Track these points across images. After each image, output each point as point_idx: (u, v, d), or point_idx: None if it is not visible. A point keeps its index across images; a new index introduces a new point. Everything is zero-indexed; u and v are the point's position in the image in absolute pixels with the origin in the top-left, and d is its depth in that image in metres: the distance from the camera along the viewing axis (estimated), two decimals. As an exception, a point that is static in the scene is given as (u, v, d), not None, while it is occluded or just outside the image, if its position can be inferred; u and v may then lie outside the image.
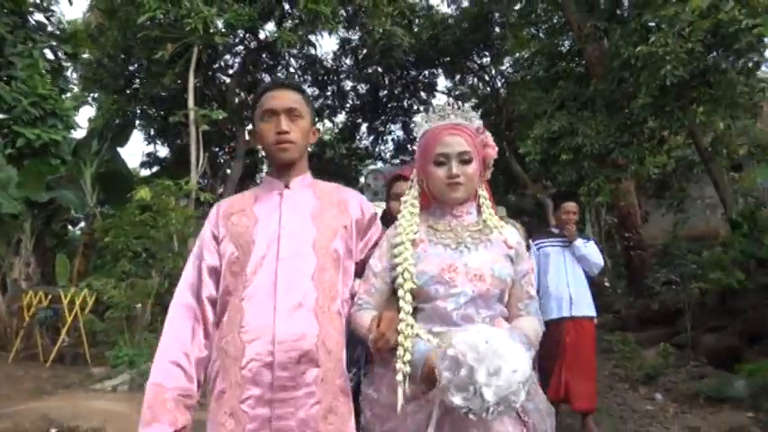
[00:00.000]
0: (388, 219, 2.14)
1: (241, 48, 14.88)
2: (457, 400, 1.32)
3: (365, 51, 15.57)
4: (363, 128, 19.35)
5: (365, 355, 1.77)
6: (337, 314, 1.63)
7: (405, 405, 1.47)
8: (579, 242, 4.41)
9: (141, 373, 6.37)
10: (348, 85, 18.01)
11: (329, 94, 18.07)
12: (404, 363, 1.48)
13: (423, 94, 19.40)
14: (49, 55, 8.60)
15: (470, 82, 19.33)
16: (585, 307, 4.44)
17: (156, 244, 8.07)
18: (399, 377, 1.47)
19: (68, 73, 11.06)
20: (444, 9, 16.51)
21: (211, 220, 1.74)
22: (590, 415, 4.47)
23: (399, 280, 1.58)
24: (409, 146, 20.37)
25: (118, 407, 4.57)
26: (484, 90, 18.80)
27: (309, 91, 18.02)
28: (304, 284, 1.59)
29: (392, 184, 2.25)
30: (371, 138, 19.77)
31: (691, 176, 12.53)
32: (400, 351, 1.48)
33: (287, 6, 12.06)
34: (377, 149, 20.00)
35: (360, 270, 1.76)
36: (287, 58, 16.44)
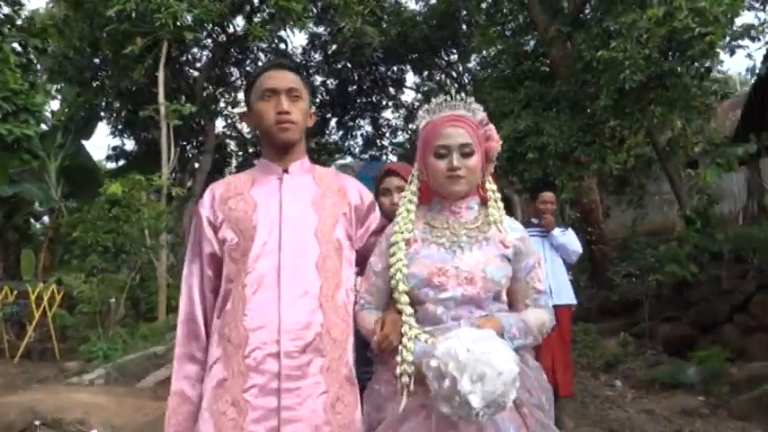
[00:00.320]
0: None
1: (209, 41, 14.82)
2: (445, 409, 1.30)
3: (334, 47, 15.67)
4: (333, 123, 19.43)
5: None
6: (342, 303, 1.61)
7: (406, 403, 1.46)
8: (557, 231, 4.43)
9: (117, 367, 6.44)
10: (317, 79, 18.06)
11: (298, 88, 18.07)
12: (407, 363, 1.46)
13: (391, 89, 19.62)
14: (18, 48, 8.46)
15: (438, 78, 19.58)
16: (565, 295, 4.45)
17: (128, 239, 8.05)
18: (405, 379, 1.45)
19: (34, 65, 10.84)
20: (413, 6, 16.75)
21: (206, 206, 1.67)
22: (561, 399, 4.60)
23: (392, 282, 1.56)
24: (378, 141, 20.58)
25: (99, 399, 4.65)
26: (451, 87, 19.08)
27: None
28: (308, 273, 1.56)
29: (382, 179, 2.17)
30: (341, 133, 19.90)
31: (649, 173, 13.02)
32: (403, 353, 1.47)
33: (256, 2, 12.09)
34: (346, 144, 20.14)
35: (359, 258, 1.74)
36: (256, 52, 16.38)
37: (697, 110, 7.24)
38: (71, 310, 9.37)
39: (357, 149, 20.23)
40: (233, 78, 17.52)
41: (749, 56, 9.57)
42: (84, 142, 14.20)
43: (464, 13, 15.61)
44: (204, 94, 15.16)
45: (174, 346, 1.69)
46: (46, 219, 15.45)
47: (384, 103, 19.90)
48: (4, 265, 12.38)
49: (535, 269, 1.66)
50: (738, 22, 6.67)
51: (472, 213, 1.64)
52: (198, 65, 16.30)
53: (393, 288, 1.56)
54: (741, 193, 10.81)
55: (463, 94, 1.64)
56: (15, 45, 8.27)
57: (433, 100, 1.66)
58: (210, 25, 12.08)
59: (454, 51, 17.91)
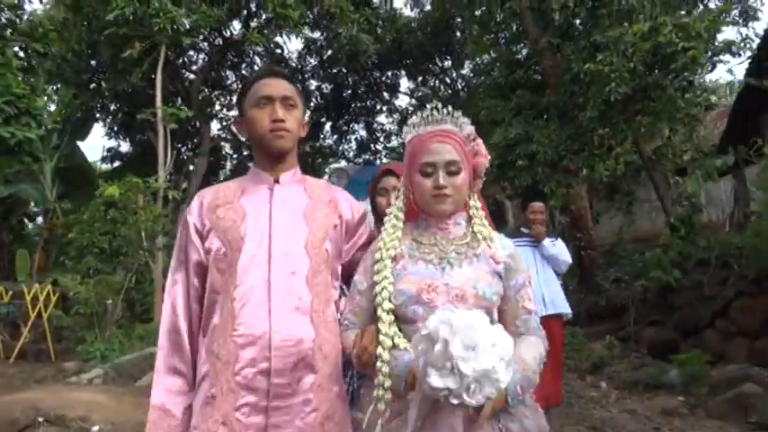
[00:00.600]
0: (377, 214, 2.07)
1: (206, 44, 14.96)
2: (435, 380, 1.21)
3: (330, 52, 15.86)
4: (327, 127, 19.60)
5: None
6: (332, 317, 1.57)
7: (388, 421, 1.39)
8: (547, 242, 4.42)
9: (114, 367, 6.58)
10: (312, 84, 18.23)
11: (294, 92, 18.27)
12: (383, 375, 1.39)
13: (386, 94, 19.83)
14: (19, 53, 8.59)
15: (432, 84, 19.81)
16: (559, 305, 4.41)
17: (125, 241, 8.18)
18: (379, 392, 1.39)
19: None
20: (408, 13, 16.97)
21: (194, 212, 1.62)
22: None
23: (377, 299, 1.48)
24: (372, 145, 20.76)
25: (99, 398, 4.79)
26: (445, 93, 19.31)
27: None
28: (298, 287, 1.51)
29: (380, 178, 2.10)
30: (335, 137, 20.06)
31: (639, 181, 13.28)
32: (378, 363, 1.40)
33: (253, 7, 12.26)
34: (340, 148, 20.31)
35: (344, 272, 1.70)
36: (252, 55, 16.55)
37: (681, 121, 7.47)
38: (66, 311, 9.46)
39: (351, 153, 20.42)
40: (229, 82, 17.67)
41: (730, 71, 9.81)
42: (79, 143, 14.33)
43: (458, 20, 15.84)
44: (200, 97, 15.31)
45: None
46: (39, 219, 15.54)
47: (378, 107, 20.11)
48: (-2, 266, 12.45)
49: (525, 287, 1.59)
50: (720, 37, 6.89)
51: (460, 229, 1.59)
52: (194, 68, 16.44)
53: (377, 305, 1.48)
54: (729, 201, 11.07)
55: (450, 108, 1.55)
56: (16, 49, 8.39)
57: (417, 114, 1.57)
58: (207, 30, 12.24)
59: (448, 58, 18.15)
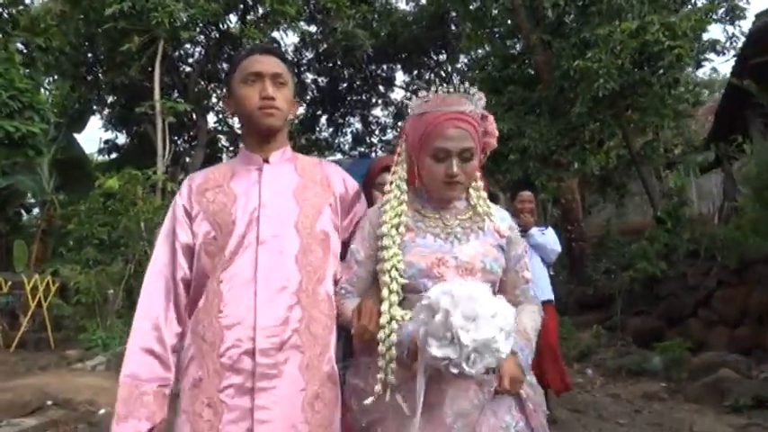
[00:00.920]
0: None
1: (202, 37, 15.06)
2: (434, 350, 1.21)
3: (326, 46, 15.98)
4: (323, 120, 19.73)
5: (348, 345, 1.69)
6: (325, 297, 1.54)
7: (392, 393, 1.39)
8: (534, 230, 4.42)
9: (116, 355, 6.74)
10: (308, 77, 18.34)
11: (290, 85, 18.42)
12: (386, 346, 1.38)
13: (381, 88, 19.96)
14: (21, 48, 8.71)
15: (427, 77, 19.96)
16: (541, 292, 4.32)
17: (126, 232, 8.35)
18: (381, 362, 1.39)
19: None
20: (403, 6, 17.10)
21: (183, 196, 1.60)
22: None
23: (386, 278, 1.44)
24: (367, 138, 20.92)
25: (105, 383, 4.97)
26: (441, 86, 19.45)
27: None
28: (287, 267, 1.49)
29: (379, 173, 2.03)
30: (331, 129, 20.20)
31: (630, 174, 13.53)
32: (382, 334, 1.39)
33: (250, 1, 12.38)
34: (336, 141, 20.44)
35: (344, 250, 1.66)
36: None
37: (668, 116, 7.68)
38: (65, 301, 9.62)
39: (347, 146, 20.57)
40: (225, 74, 17.79)
41: (714, 69, 10.04)
42: (75, 135, 14.44)
43: (453, 14, 15.98)
44: (196, 90, 15.42)
45: None
46: (36, 211, 15.66)
47: (374, 100, 20.25)
48: (-4, 256, 12.58)
49: (523, 258, 1.61)
50: (707, 36, 7.09)
51: (461, 203, 1.58)
52: (190, 60, 16.54)
53: (384, 284, 1.45)
54: (718, 194, 11.32)
55: (467, 84, 1.47)
56: (18, 44, 8.51)
57: (432, 89, 1.49)
58: (204, 23, 12.36)
59: (443, 52, 18.29)
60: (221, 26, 13.75)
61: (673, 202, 8.01)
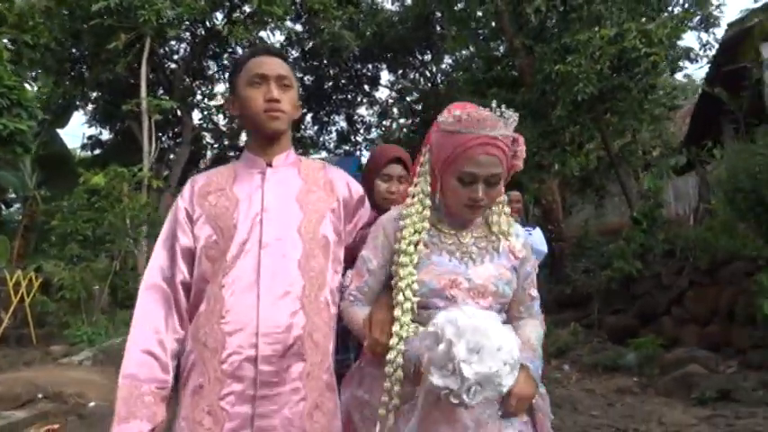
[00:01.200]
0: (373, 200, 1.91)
1: (188, 34, 15.07)
2: (436, 379, 1.21)
3: (312, 44, 16.07)
4: (308, 118, 19.81)
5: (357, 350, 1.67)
6: (325, 304, 1.51)
7: (398, 408, 1.38)
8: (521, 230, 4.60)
9: (102, 350, 6.83)
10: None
11: (275, 83, 18.47)
12: (393, 368, 1.37)
13: (366, 87, 20.10)
14: (9, 45, 8.69)
15: (412, 77, 20.13)
16: None
17: (112, 229, 8.40)
18: (387, 384, 1.37)
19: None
20: (388, 6, 17.24)
21: (185, 198, 1.57)
22: None
23: (399, 297, 1.41)
24: (352, 137, 21.05)
25: (93, 377, 5.07)
26: (425, 86, 19.65)
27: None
28: (290, 272, 1.47)
29: (387, 164, 1.96)
30: (316, 128, 20.29)
31: (609, 175, 13.81)
32: (390, 355, 1.38)
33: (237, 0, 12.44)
34: (321, 139, 20.53)
35: (347, 255, 1.64)
36: (234, 45, 16.66)
37: (645, 120, 7.92)
38: (48, 297, 9.62)
39: (332, 144, 20.66)
40: (210, 72, 17.77)
41: (687, 76, 10.35)
42: (59, 131, 14.39)
43: (438, 15, 16.16)
44: (181, 87, 15.43)
45: None
46: (17, 206, 15.55)
47: (359, 99, 20.39)
48: (-23, 252, 12.51)
49: (531, 275, 1.59)
50: (682, 44, 7.35)
51: (479, 220, 1.54)
52: (175, 57, 16.52)
53: (398, 302, 1.42)
54: (694, 196, 11.63)
55: (494, 105, 1.42)
56: (6, 41, 8.50)
57: (468, 110, 1.40)
58: (191, 20, 12.39)
59: (428, 52, 18.47)
60: (207, 24, 13.79)
61: (649, 203, 8.27)
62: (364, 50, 16.37)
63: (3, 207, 15.71)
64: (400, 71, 19.76)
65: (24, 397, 4.46)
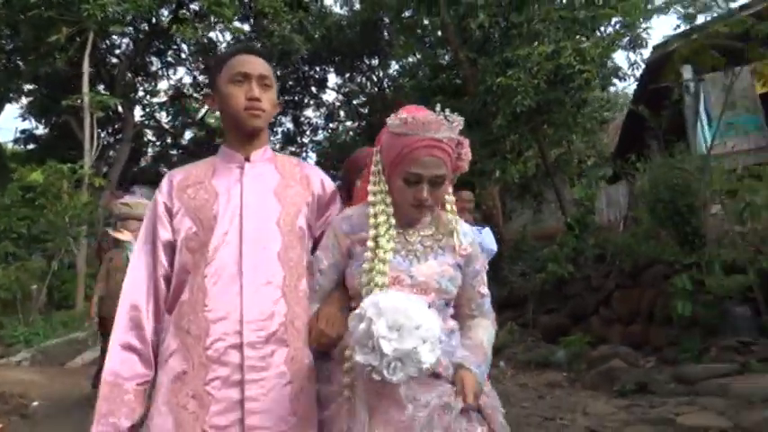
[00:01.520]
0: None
1: (131, 29, 14.75)
2: (358, 357, 1.27)
3: (259, 45, 16.03)
4: (254, 118, 19.65)
5: None
6: (304, 293, 1.58)
7: (345, 391, 1.43)
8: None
9: (41, 351, 6.70)
10: (240, 75, 18.23)
11: (221, 82, 18.28)
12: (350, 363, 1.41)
13: (314, 89, 20.18)
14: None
15: (359, 81, 20.35)
16: None
17: (52, 227, 8.20)
18: (346, 379, 1.42)
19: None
20: (337, 10, 17.41)
21: (163, 193, 1.61)
22: None
23: (362, 291, 1.46)
24: (299, 138, 21.07)
25: (34, 377, 5.00)
26: (372, 90, 19.91)
27: (200, 78, 18.09)
28: (270, 263, 1.52)
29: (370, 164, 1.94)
30: (262, 128, 20.14)
31: (547, 182, 14.47)
32: (348, 351, 1.40)
33: (185, -3, 12.34)
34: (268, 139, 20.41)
35: (314, 248, 1.69)
36: (178, 42, 16.41)
37: (579, 132, 8.45)
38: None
39: (278, 145, 20.57)
40: (153, 68, 17.44)
41: (617, 93, 11.04)
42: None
43: (386, 21, 16.46)
44: (123, 83, 15.08)
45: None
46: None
47: (306, 101, 20.43)
48: None
49: (481, 273, 1.62)
50: (612, 63, 7.89)
51: (426, 220, 1.58)
52: (117, 51, 16.12)
53: (359, 296, 1.45)
54: (625, 203, 12.36)
55: (438, 108, 1.46)
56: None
57: (411, 114, 1.44)
58: (136, 17, 12.17)
59: (376, 57, 18.74)
60: (153, 20, 13.56)
61: (581, 210, 8.80)
62: (312, 53, 16.45)
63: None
64: (348, 74, 19.94)
65: (-36, 398, 4.39)
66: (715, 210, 5.97)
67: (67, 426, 4.06)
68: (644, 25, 8.35)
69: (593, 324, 7.73)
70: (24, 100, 15.13)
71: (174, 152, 20.12)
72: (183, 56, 17.47)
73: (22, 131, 16.61)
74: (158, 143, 20.16)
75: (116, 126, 17.30)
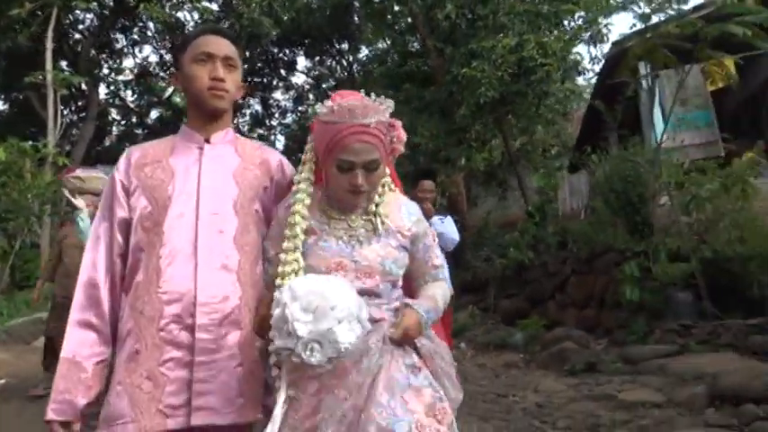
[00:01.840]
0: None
1: (95, 5, 14.43)
2: (277, 341, 1.29)
3: (227, 24, 15.87)
4: (222, 99, 19.49)
5: None
6: (259, 277, 1.58)
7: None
8: (435, 219, 4.33)
9: (5, 330, 6.70)
10: (208, 55, 18.02)
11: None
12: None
13: (283, 71, 20.09)
14: None
15: (329, 64, 20.32)
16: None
17: (16, 206, 8.11)
18: (272, 359, 1.43)
19: None
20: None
21: (120, 171, 1.59)
22: None
23: (283, 281, 1.44)
24: (267, 121, 20.99)
25: (1, 356, 5.05)
26: (342, 74, 19.92)
27: (167, 57, 17.82)
28: (226, 246, 1.52)
29: None
30: (230, 110, 19.99)
31: (512, 170, 14.83)
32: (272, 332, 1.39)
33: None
34: (235, 122, 20.21)
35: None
36: (145, 20, 16.12)
37: (540, 123, 8.74)
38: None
39: (246, 128, 20.47)
40: (119, 45, 17.11)
41: (581, 85, 11.36)
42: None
43: (357, 5, 16.44)
44: (87, 59, 14.77)
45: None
46: None
47: (275, 83, 20.33)
48: None
49: (431, 248, 1.60)
50: (573, 56, 8.17)
51: (367, 204, 1.56)
52: (81, 27, 15.77)
53: (280, 285, 1.45)
54: (587, 192, 12.76)
55: (373, 95, 1.48)
56: None
57: (338, 100, 1.46)
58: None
59: (346, 41, 18.73)
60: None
61: (542, 198, 9.12)
62: (282, 36, 16.37)
63: None
64: (317, 58, 19.91)
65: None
66: (663, 201, 6.30)
67: (36, 401, 4.15)
68: (605, 21, 8.67)
69: (549, 308, 8.08)
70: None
71: (140, 131, 19.83)
72: (150, 34, 17.20)
73: (-20, 107, 16.14)
74: (123, 122, 19.86)
75: (80, 104, 16.97)
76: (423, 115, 9.39)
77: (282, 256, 1.46)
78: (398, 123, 1.53)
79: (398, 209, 1.58)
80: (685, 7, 5.81)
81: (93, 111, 14.53)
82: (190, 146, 1.61)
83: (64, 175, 4.39)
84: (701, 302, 5.60)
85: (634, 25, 6.54)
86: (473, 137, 10.13)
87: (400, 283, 1.58)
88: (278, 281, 1.43)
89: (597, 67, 8.99)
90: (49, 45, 10.13)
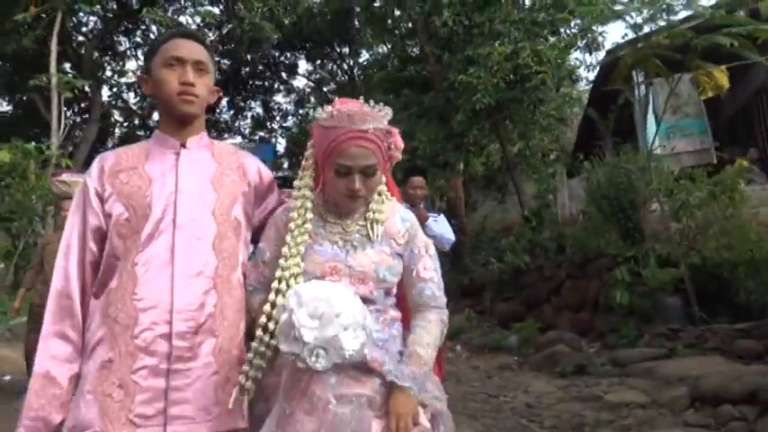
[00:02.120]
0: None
1: (98, 7, 14.58)
2: (283, 346, 1.31)
3: (230, 27, 16.03)
4: (224, 102, 19.69)
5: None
6: (237, 283, 1.56)
7: (256, 379, 1.46)
8: (429, 220, 4.25)
9: (10, 329, 6.82)
10: (211, 58, 18.20)
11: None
12: (258, 343, 1.46)
13: (284, 74, 20.25)
14: None
15: (330, 68, 20.47)
16: None
17: (19, 207, 8.25)
18: (249, 355, 1.46)
19: None
20: (308, -4, 17.45)
21: (93, 177, 1.56)
22: None
23: (282, 285, 1.47)
24: (268, 123, 21.14)
25: (6, 353, 5.16)
26: (342, 78, 20.06)
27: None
28: (203, 253, 1.50)
29: None
30: (231, 112, 20.20)
31: (510, 175, 14.96)
32: (259, 332, 1.46)
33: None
34: (237, 124, 20.47)
35: (256, 237, 1.68)
36: (147, 23, 16.27)
37: (536, 129, 8.87)
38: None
39: (247, 130, 20.63)
40: (122, 48, 17.27)
41: (574, 91, 11.47)
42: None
43: (357, 10, 16.59)
44: (90, 61, 14.92)
45: None
46: None
47: (276, 86, 20.48)
48: None
49: (421, 257, 1.58)
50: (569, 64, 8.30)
51: (363, 210, 1.58)
52: (84, 30, 15.93)
53: (280, 290, 1.48)
54: (584, 197, 12.87)
55: (372, 102, 1.50)
56: None
57: (337, 106, 1.48)
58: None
59: (346, 45, 18.89)
60: (123, 0, 13.46)
61: (538, 203, 9.24)
62: (283, 39, 16.52)
63: None
64: (318, 61, 20.05)
65: (-62, 372, 4.53)
66: (654, 207, 6.43)
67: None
68: (600, 29, 8.81)
69: (545, 311, 8.19)
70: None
71: (142, 133, 19.96)
72: (152, 37, 17.33)
73: (-15, 109, 16.30)
74: (126, 124, 19.99)
75: (83, 106, 17.12)
76: (421, 120, 9.54)
77: (282, 261, 1.48)
78: (396, 130, 1.55)
79: (393, 216, 1.59)
80: (676, 18, 5.91)
81: (96, 113, 14.67)
82: (165, 151, 1.58)
83: (52, 180, 4.36)
84: (690, 307, 5.73)
85: (626, 35, 6.66)
86: (470, 142, 10.27)
87: (394, 291, 1.58)
88: (275, 284, 1.46)
89: (592, 75, 9.12)
90: (54, 48, 10.30)
